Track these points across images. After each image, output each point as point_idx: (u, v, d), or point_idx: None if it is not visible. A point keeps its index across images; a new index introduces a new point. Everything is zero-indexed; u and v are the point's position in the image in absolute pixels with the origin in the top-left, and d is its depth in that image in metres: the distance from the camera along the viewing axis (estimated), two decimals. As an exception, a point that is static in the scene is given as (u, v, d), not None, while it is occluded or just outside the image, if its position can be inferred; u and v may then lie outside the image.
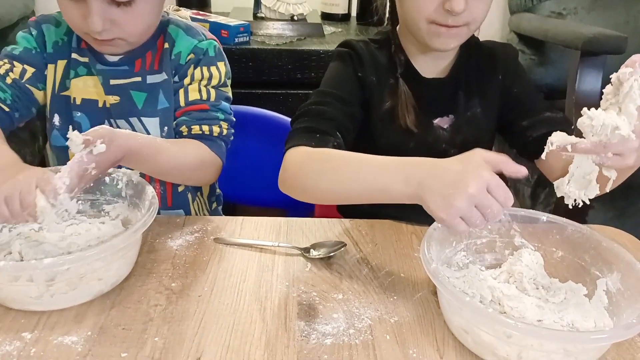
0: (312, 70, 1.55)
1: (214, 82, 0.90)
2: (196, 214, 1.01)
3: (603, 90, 0.62)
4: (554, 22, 1.62)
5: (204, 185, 0.98)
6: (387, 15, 1.55)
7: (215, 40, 0.92)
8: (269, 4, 1.65)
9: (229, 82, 0.94)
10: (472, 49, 0.89)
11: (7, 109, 0.84)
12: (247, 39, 1.53)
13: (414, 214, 0.73)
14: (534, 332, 0.52)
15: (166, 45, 0.89)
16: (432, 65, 0.90)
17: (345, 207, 1.00)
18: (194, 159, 0.85)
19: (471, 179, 0.58)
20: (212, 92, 0.90)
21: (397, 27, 0.91)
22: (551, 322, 0.62)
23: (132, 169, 0.76)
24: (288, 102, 1.56)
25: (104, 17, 0.77)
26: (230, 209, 1.30)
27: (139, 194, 0.72)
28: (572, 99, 1.23)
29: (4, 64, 0.86)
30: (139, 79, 0.89)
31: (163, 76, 0.89)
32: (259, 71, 1.51)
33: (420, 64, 0.89)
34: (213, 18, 1.55)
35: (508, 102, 0.91)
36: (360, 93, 0.87)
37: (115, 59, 0.88)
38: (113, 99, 0.88)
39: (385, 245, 0.79)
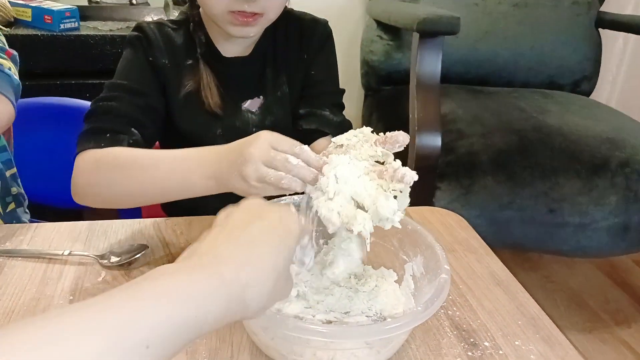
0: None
1: None
2: None
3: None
4: (397, 5, 1.63)
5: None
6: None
7: None
8: (103, -14, 1.51)
9: None
10: (280, 21, 0.83)
11: None
12: (76, 24, 1.38)
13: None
14: (309, 332, 0.47)
15: None
16: (235, 44, 0.84)
17: (168, 203, 0.92)
18: None
19: (251, 143, 0.56)
20: None
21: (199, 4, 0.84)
22: (359, 313, 0.59)
23: None
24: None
25: None
26: (48, 213, 1.17)
27: None
28: (414, 81, 1.24)
29: None
30: None
31: None
32: (91, 60, 1.37)
33: (222, 44, 0.83)
34: (36, 3, 1.38)
35: (306, 83, 0.88)
36: (155, 79, 0.79)
37: None
38: None
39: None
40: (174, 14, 1.64)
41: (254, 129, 0.84)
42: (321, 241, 0.68)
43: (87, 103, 1.07)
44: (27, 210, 0.97)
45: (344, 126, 0.86)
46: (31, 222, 0.97)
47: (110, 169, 0.67)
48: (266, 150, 0.55)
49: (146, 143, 0.75)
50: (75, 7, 1.39)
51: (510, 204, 1.31)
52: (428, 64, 1.23)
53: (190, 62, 0.81)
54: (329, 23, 0.90)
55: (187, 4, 0.84)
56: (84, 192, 0.70)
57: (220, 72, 0.82)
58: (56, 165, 1.07)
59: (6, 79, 0.77)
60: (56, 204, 1.14)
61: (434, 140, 1.21)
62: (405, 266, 0.62)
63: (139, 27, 0.81)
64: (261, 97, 0.85)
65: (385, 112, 1.79)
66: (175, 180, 0.63)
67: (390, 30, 1.83)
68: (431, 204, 1.29)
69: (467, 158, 1.33)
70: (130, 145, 0.71)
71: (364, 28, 1.98)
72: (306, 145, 0.57)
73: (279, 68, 0.86)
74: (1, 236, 0.71)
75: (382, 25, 1.85)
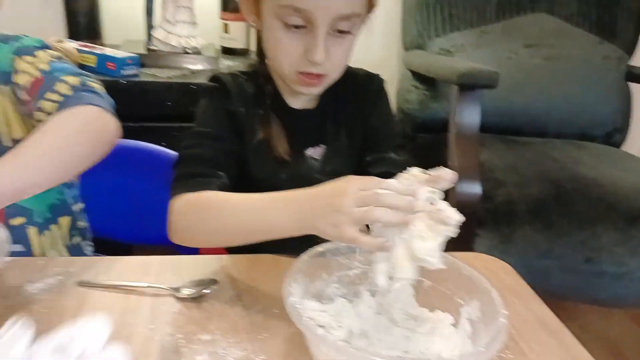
0: (207, 104, 1.52)
1: (43, 60, 0.80)
2: (43, 251, 0.91)
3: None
4: (436, 59, 1.71)
5: (104, 145, 0.77)
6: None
7: (41, 39, 0.85)
8: (161, 37, 1.62)
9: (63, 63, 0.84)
10: (340, 78, 0.89)
11: None
12: (137, 71, 1.49)
13: (297, 247, 0.72)
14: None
15: None
16: (300, 98, 0.91)
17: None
18: (55, 136, 0.71)
19: (340, 191, 0.60)
20: (43, 65, 0.79)
21: (267, 60, 0.91)
22: (417, 353, 0.62)
23: None
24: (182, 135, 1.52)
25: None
26: (117, 249, 1.24)
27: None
28: (454, 131, 1.30)
29: None
30: None
31: None
32: (149, 105, 1.47)
33: (288, 96, 0.90)
34: (100, 50, 1.49)
35: (366, 133, 0.94)
36: (232, 126, 0.86)
37: None
38: None
39: (262, 281, 0.77)
40: (223, 62, 1.74)
41: (316, 175, 0.90)
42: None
43: (146, 144, 1.16)
44: (90, 244, 1.04)
45: (410, 164, 0.91)
46: (93, 254, 1.03)
47: (204, 212, 0.74)
48: (356, 194, 0.59)
49: (230, 184, 0.81)
50: (137, 55, 1.49)
51: (548, 252, 1.34)
52: (467, 115, 1.29)
53: (261, 111, 0.88)
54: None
55: (257, 58, 0.92)
56: (181, 233, 0.77)
57: (287, 122, 0.89)
58: (116, 202, 1.14)
59: (106, 98, 0.81)
60: (116, 238, 1.21)
61: (474, 188, 1.26)
62: (460, 310, 0.66)
63: (216, 78, 0.89)
64: (322, 145, 0.92)
65: (422, 159, 1.83)
66: (264, 223, 0.68)
67: (426, 81, 1.90)
68: (470, 250, 1.33)
69: (505, 206, 1.37)
70: (218, 187, 0.78)
71: (399, 78, 2.06)
72: (392, 179, 0.60)
73: (339, 120, 0.92)
74: (80, 268, 0.76)
75: (417, 75, 1.92)
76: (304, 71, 0.80)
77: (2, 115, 0.82)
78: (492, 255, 0.91)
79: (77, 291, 0.71)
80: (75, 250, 0.98)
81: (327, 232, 0.61)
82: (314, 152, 0.91)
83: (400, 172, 0.82)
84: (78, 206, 1.00)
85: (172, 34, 1.59)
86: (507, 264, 0.89)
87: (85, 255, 1.02)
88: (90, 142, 0.75)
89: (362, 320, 0.65)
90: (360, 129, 0.93)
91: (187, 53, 1.64)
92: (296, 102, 0.91)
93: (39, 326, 0.63)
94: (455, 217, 0.57)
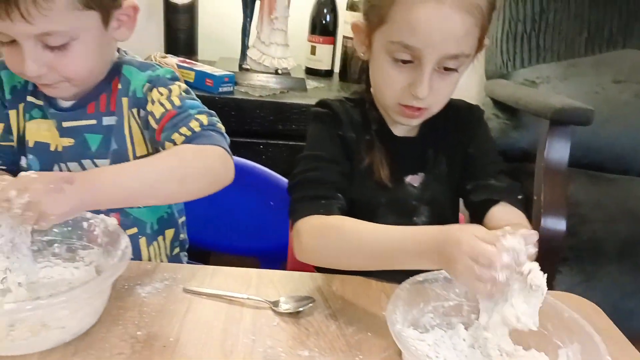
0: (294, 123, 1.58)
1: (174, 93, 0.86)
2: (150, 259, 0.98)
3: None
4: (526, 91, 1.69)
5: (219, 184, 0.82)
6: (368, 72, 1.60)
7: (171, 69, 0.91)
8: (255, 56, 1.69)
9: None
10: (441, 109, 0.91)
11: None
12: (232, 88, 1.56)
13: (383, 272, 0.75)
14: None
15: (120, 86, 0.88)
16: (402, 127, 0.93)
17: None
18: (174, 160, 0.77)
19: (459, 242, 0.63)
20: (175, 99, 0.85)
21: (371, 89, 0.94)
22: (512, 389, 0.63)
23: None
24: (268, 151, 1.59)
25: (39, 62, 0.77)
26: (204, 257, 1.30)
27: (113, 242, 0.72)
28: (542, 165, 1.28)
29: None
30: (94, 121, 0.88)
31: (116, 118, 0.88)
32: (241, 121, 1.54)
33: (391, 124, 0.93)
34: (199, 67, 1.58)
35: (466, 162, 0.95)
36: (344, 151, 0.90)
37: (68, 104, 0.88)
38: (67, 142, 0.88)
39: (354, 302, 0.79)
40: (310, 83, 1.80)
41: (413, 202, 0.93)
42: (472, 316, 0.73)
43: (239, 159, 1.21)
44: (186, 254, 1.10)
45: (512, 189, 0.91)
46: (189, 263, 1.09)
47: (337, 239, 0.77)
48: (474, 246, 0.62)
49: (347, 206, 0.85)
50: (232, 73, 1.57)
51: (634, 293, 1.29)
52: (557, 150, 1.27)
53: (367, 137, 0.91)
54: None
55: (364, 86, 0.95)
56: (310, 254, 0.81)
57: (390, 149, 0.91)
58: (213, 214, 1.19)
59: (227, 139, 0.86)
60: (218, 250, 1.26)
61: (559, 224, 1.24)
62: (559, 351, 0.66)
63: (325, 104, 0.92)
64: (421, 173, 0.94)
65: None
66: (391, 256, 0.72)
67: (507, 110, 1.88)
68: (551, 287, 1.30)
69: (590, 244, 1.34)
70: (339, 209, 0.81)
71: (480, 104, 2.04)
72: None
73: (439, 148, 0.94)
74: (185, 275, 0.81)
75: (498, 104, 1.91)
76: (406, 104, 0.83)
77: (132, 135, 0.90)
78: (574, 293, 0.90)
79: (184, 297, 0.76)
80: (174, 260, 1.04)
81: (449, 271, 0.67)
82: (413, 180, 0.93)
83: (504, 198, 0.85)
84: (181, 219, 1.06)
85: (266, 55, 1.66)
86: (596, 306, 0.88)
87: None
88: (208, 178, 0.80)
89: (457, 352, 0.66)
90: (459, 158, 0.94)
91: (278, 74, 1.70)
92: (399, 130, 0.93)
93: (150, 328, 0.68)
94: (538, 283, 0.61)
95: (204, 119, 0.83)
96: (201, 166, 0.79)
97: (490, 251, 0.60)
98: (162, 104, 0.85)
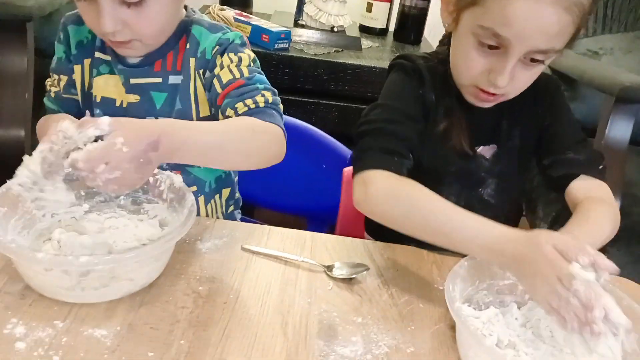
0: (347, 84, 1.57)
1: (244, 63, 0.87)
2: (207, 216, 1.00)
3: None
4: (591, 64, 1.62)
5: (272, 162, 0.84)
6: (423, 34, 1.55)
7: (240, 33, 0.91)
8: (311, 12, 1.67)
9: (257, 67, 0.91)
10: None
11: None
12: (287, 45, 1.55)
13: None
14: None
15: (188, 46, 0.89)
16: None
17: (372, 223, 1.01)
18: (245, 132, 0.78)
19: (542, 258, 0.62)
20: (244, 69, 0.87)
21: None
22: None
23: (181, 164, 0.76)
24: (319, 110, 1.58)
25: (115, 18, 0.77)
26: (249, 210, 1.32)
27: (179, 199, 0.74)
28: (601, 143, 1.24)
29: (49, 80, 0.92)
30: (159, 79, 0.89)
31: (181, 77, 0.89)
32: (295, 78, 1.54)
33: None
34: (255, 21, 1.57)
35: (543, 136, 0.93)
36: (422, 111, 0.88)
37: (135, 60, 0.89)
38: (133, 98, 0.90)
39: (406, 272, 0.81)
40: (364, 42, 1.76)
41: (482, 174, 0.92)
42: (526, 296, 0.74)
43: (293, 120, 1.22)
44: (240, 212, 1.12)
45: (593, 160, 0.89)
46: (242, 220, 1.12)
47: (409, 205, 0.76)
48: (555, 267, 0.61)
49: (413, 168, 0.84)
50: (289, 29, 1.56)
51: (682, 280, 1.27)
52: (619, 129, 1.23)
53: (447, 102, 0.89)
54: None
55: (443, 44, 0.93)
56: (373, 210, 0.80)
57: (466, 117, 0.90)
58: (266, 171, 1.21)
59: (283, 119, 0.87)
60: (264, 205, 1.29)
61: (614, 205, 1.21)
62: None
63: (409, 58, 0.90)
64: (494, 145, 0.92)
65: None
66: (458, 240, 0.71)
67: (566, 80, 1.82)
68: (598, 267, 1.29)
69: (639, 226, 1.31)
70: (407, 170, 0.81)
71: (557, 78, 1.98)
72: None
73: (514, 120, 0.92)
74: (243, 234, 0.84)
75: (556, 72, 1.84)
76: (483, 88, 0.81)
77: (197, 95, 0.91)
78: (620, 275, 0.89)
79: (242, 255, 0.79)
80: (229, 218, 1.07)
81: (516, 275, 0.67)
82: (486, 151, 0.92)
83: (583, 171, 0.85)
84: (236, 178, 1.08)
85: (322, 11, 1.63)
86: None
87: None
88: (266, 156, 0.83)
89: (510, 331, 0.67)
90: (534, 131, 0.93)
91: (333, 31, 1.67)
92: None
93: (211, 284, 0.71)
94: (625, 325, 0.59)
95: (269, 96, 0.84)
96: (265, 143, 0.81)
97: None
98: (231, 71, 0.86)
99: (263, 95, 0.84)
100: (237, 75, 0.86)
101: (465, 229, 0.70)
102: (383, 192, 0.78)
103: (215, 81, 0.87)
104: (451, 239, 0.71)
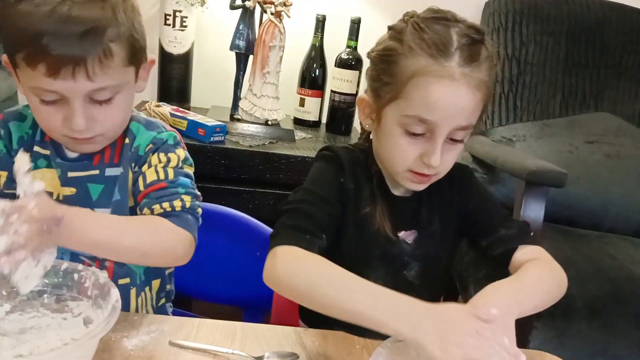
0: (281, 172, 1.63)
1: (172, 164, 0.91)
2: (137, 310, 0.99)
3: None
4: (504, 150, 1.76)
5: (173, 264, 0.91)
6: (352, 125, 1.66)
7: (175, 132, 0.96)
8: (247, 107, 1.75)
9: (189, 169, 0.95)
10: None
11: None
12: (223, 138, 1.62)
13: (368, 330, 0.77)
14: None
15: (126, 140, 0.93)
16: (401, 187, 0.98)
17: (305, 310, 1.03)
18: (145, 231, 0.83)
19: (455, 323, 0.69)
20: (170, 171, 0.90)
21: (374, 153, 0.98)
22: None
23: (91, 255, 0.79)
24: (255, 199, 1.63)
25: (87, 116, 0.81)
26: (186, 303, 1.31)
27: (103, 296, 0.74)
28: (518, 223, 1.34)
29: None
30: (97, 171, 0.92)
31: (120, 170, 0.92)
32: (231, 169, 1.59)
33: (390, 182, 0.98)
34: (192, 116, 1.63)
35: (466, 219, 1.00)
36: (340, 197, 0.94)
37: (74, 154, 0.92)
38: (69, 191, 0.91)
39: (337, 358, 0.82)
40: (298, 133, 1.85)
41: (405, 258, 0.98)
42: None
43: (229, 210, 1.24)
44: (171, 305, 1.11)
45: (524, 230, 0.97)
46: (174, 313, 1.11)
47: (316, 276, 0.78)
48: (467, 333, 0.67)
49: (327, 250, 0.87)
50: (224, 123, 1.63)
51: (604, 351, 1.33)
52: (532, 209, 1.33)
53: (368, 189, 0.96)
54: None
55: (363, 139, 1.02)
56: (280, 282, 0.81)
57: (387, 205, 0.96)
58: (198, 261, 1.21)
59: (199, 223, 0.91)
60: (200, 297, 1.29)
61: (533, 282, 1.28)
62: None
63: (332, 149, 0.97)
64: (414, 230, 0.98)
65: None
66: (370, 315, 0.73)
67: (485, 165, 1.95)
68: (525, 342, 1.34)
69: (562, 300, 1.38)
70: (319, 249, 0.84)
71: (460, 160, 2.12)
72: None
73: (433, 206, 0.99)
74: (171, 327, 0.83)
75: (476, 159, 1.98)
76: (418, 171, 0.89)
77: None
78: (547, 350, 0.94)
79: (170, 350, 0.78)
80: (160, 311, 1.06)
81: (428, 347, 0.67)
82: (407, 236, 0.98)
83: (520, 242, 0.94)
84: (168, 270, 1.08)
85: (257, 106, 1.72)
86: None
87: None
88: (167, 259, 0.89)
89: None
90: (454, 216, 1.00)
91: (267, 124, 1.76)
92: (396, 190, 0.99)
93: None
94: None
95: (188, 201, 0.89)
96: (167, 247, 0.85)
97: None
98: (157, 171, 0.90)
99: (182, 200, 0.88)
100: (162, 176, 0.90)
101: (366, 299, 0.74)
102: (289, 262, 0.81)
103: (140, 178, 0.91)
104: (367, 316, 0.73)
